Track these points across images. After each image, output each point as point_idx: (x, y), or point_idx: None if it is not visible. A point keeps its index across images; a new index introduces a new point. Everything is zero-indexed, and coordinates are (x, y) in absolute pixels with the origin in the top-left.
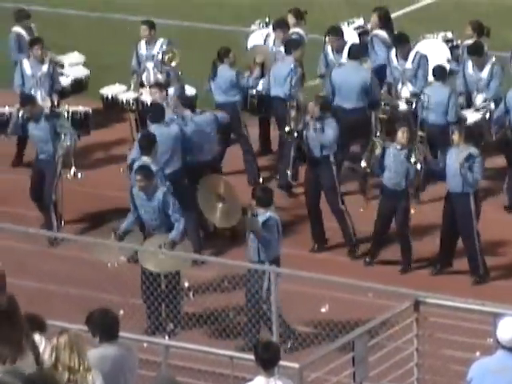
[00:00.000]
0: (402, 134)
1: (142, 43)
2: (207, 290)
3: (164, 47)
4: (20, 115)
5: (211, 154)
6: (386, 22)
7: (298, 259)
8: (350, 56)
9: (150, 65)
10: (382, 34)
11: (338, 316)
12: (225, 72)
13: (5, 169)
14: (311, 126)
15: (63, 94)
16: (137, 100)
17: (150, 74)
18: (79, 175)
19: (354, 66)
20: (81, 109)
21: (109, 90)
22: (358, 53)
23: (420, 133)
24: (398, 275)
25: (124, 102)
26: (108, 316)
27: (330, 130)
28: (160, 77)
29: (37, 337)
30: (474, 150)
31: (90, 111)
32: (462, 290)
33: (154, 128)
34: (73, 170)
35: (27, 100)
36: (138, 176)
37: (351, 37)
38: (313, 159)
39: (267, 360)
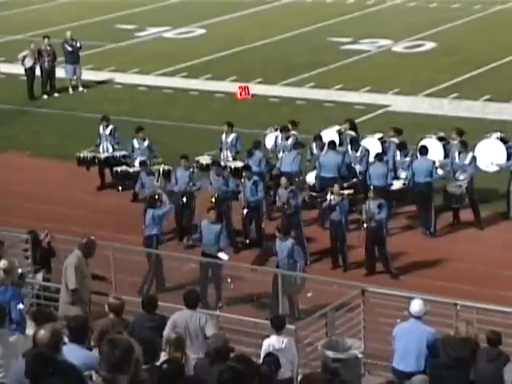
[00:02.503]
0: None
1: (224, 136)
2: (241, 282)
3: (235, 138)
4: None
5: None
6: (353, 126)
7: None
8: (330, 148)
9: (227, 150)
10: (352, 133)
11: (318, 298)
12: (257, 155)
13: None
14: (284, 194)
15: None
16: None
17: (228, 156)
18: None
19: (333, 153)
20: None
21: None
22: (335, 146)
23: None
24: (351, 275)
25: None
26: (193, 294)
27: (299, 198)
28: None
29: None
30: (382, 201)
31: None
32: (390, 283)
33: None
34: None
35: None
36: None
37: (333, 135)
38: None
39: (278, 325)
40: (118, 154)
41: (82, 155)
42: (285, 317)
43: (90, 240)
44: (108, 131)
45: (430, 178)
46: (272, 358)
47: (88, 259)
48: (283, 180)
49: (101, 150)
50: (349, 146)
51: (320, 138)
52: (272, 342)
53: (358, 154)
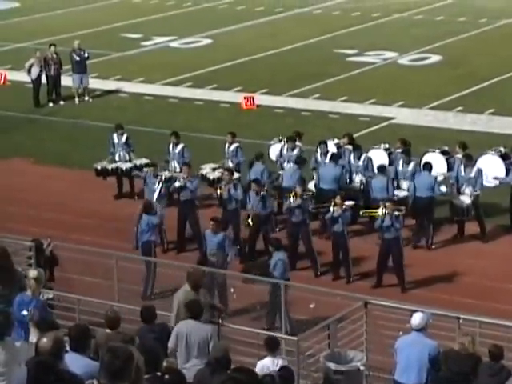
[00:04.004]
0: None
1: (227, 145)
2: (245, 293)
3: (236, 148)
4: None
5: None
6: (351, 140)
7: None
8: (331, 160)
9: (228, 160)
10: (350, 147)
11: (320, 309)
12: (258, 166)
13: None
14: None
15: None
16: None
17: (229, 166)
18: None
19: (332, 166)
20: None
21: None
22: (337, 158)
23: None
24: (354, 286)
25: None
26: (196, 304)
27: (307, 207)
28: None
29: None
30: (397, 212)
31: None
32: (393, 296)
33: None
34: None
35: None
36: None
37: (332, 148)
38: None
39: (272, 347)
40: (139, 162)
41: (100, 167)
42: (278, 338)
43: (194, 270)
44: (124, 139)
45: (431, 193)
46: (286, 370)
47: (200, 290)
48: (298, 188)
49: (117, 158)
50: (351, 155)
51: (325, 143)
52: (266, 364)
53: (361, 163)
